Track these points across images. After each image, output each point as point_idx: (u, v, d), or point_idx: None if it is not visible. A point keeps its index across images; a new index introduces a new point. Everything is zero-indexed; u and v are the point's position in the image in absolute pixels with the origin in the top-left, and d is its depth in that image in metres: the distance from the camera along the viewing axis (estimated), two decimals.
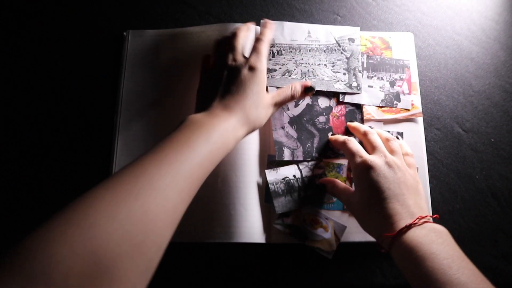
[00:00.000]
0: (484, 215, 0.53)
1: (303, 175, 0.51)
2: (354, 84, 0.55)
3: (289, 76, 0.54)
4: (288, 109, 0.54)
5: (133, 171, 0.32)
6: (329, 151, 0.53)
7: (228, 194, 0.50)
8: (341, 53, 0.53)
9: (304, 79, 0.54)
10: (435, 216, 0.43)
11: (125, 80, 0.56)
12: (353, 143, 0.47)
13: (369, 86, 0.55)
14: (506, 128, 0.57)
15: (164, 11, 0.61)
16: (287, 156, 0.52)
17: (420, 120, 0.55)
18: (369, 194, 0.42)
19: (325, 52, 0.55)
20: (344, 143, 0.48)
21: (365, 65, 0.56)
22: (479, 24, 0.62)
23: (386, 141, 0.48)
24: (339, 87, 0.54)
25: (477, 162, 0.55)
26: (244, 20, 0.58)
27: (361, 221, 0.44)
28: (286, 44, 0.55)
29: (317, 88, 0.53)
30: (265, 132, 0.54)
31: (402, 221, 0.39)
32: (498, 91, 0.58)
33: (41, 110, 0.56)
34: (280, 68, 0.51)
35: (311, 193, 0.51)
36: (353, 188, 0.48)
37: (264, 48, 0.47)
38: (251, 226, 0.50)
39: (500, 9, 0.62)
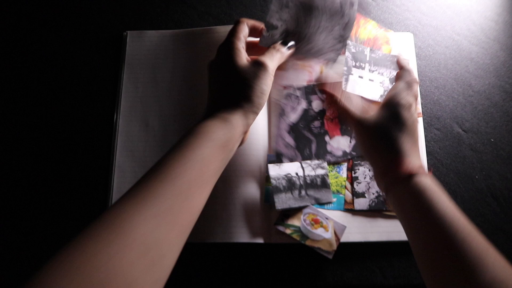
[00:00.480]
0: (483, 215, 0.53)
1: (306, 174, 0.51)
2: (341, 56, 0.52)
3: (286, 37, 0.50)
4: (286, 116, 0.54)
5: (103, 215, 0.30)
6: (328, 154, 0.53)
7: (228, 194, 0.50)
8: (341, 17, 0.50)
9: (299, 44, 0.51)
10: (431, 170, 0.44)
11: (124, 80, 0.56)
12: (413, 77, 0.48)
13: (370, 80, 0.55)
14: (506, 128, 0.57)
15: (164, 11, 0.61)
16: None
17: (420, 120, 0.55)
18: (392, 122, 0.43)
19: (327, 14, 0.51)
20: (407, 71, 0.48)
21: (367, 58, 0.55)
22: (479, 24, 0.62)
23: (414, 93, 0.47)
24: (330, 56, 0.52)
25: (477, 162, 0.55)
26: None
27: (369, 147, 0.44)
28: None
29: (306, 57, 0.52)
30: (265, 132, 0.54)
31: (415, 164, 0.40)
32: (497, 91, 0.58)
33: (41, 110, 0.56)
34: (281, 25, 0.48)
35: (312, 192, 0.51)
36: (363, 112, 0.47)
37: (279, 52, 0.46)
38: (251, 226, 0.50)
39: (500, 9, 0.62)
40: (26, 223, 0.51)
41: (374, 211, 0.51)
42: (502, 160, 0.55)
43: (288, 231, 0.49)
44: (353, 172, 0.52)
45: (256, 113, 0.43)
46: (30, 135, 0.55)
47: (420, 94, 0.57)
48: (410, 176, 0.39)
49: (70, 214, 0.51)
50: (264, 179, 0.52)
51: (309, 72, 0.54)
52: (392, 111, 0.44)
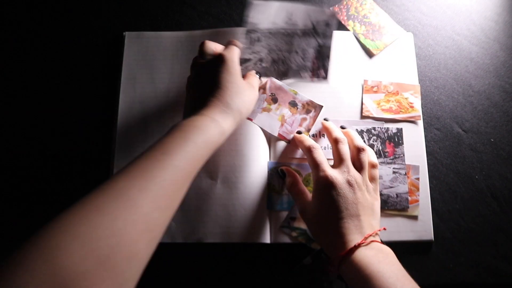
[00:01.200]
0: (483, 215, 0.53)
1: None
2: (322, 74, 0.53)
3: (261, 64, 0.52)
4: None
5: (106, 187, 0.32)
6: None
7: (228, 194, 0.50)
8: (315, 39, 0.51)
9: (273, 67, 0.53)
10: (383, 228, 0.44)
11: (123, 80, 0.56)
12: (318, 153, 0.46)
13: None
14: (506, 128, 0.57)
15: (164, 11, 0.61)
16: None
17: (420, 123, 0.55)
18: (327, 211, 0.43)
19: (300, 37, 0.51)
20: (309, 150, 0.46)
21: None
22: (479, 24, 0.62)
23: (356, 150, 0.47)
24: (305, 75, 0.53)
25: (477, 162, 0.55)
26: (244, 20, 0.58)
27: (314, 234, 0.45)
28: (266, 29, 0.51)
29: (285, 78, 0.54)
30: (266, 133, 0.54)
31: (353, 241, 0.41)
32: (497, 91, 0.58)
33: (40, 110, 0.56)
34: (254, 56, 0.50)
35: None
36: (310, 195, 0.47)
37: (235, 46, 0.48)
38: (251, 227, 0.50)
39: (500, 9, 0.62)
40: (26, 223, 0.51)
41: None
42: (502, 160, 0.55)
43: (294, 234, 0.49)
44: None
45: (231, 107, 0.44)
46: (29, 135, 0.55)
47: (420, 94, 0.57)
48: (350, 255, 0.40)
49: None
50: (266, 182, 0.52)
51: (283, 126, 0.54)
52: (318, 199, 0.44)
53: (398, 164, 0.52)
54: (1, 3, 0.60)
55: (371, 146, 0.53)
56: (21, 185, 0.53)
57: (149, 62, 0.57)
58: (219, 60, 0.45)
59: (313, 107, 0.54)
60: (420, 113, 0.56)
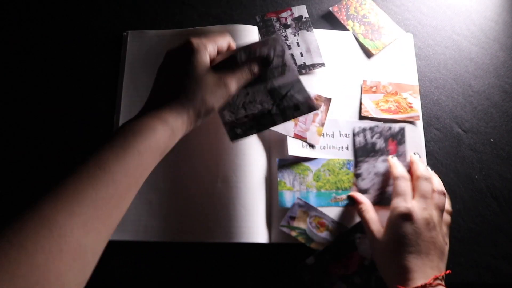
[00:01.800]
0: (483, 215, 0.53)
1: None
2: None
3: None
4: None
5: (28, 215, 0.28)
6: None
7: (228, 194, 0.50)
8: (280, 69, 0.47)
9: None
10: (447, 271, 0.43)
11: (124, 80, 0.56)
12: (406, 184, 0.46)
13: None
14: (506, 128, 0.57)
15: (164, 11, 0.61)
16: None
17: (419, 123, 0.55)
18: (398, 242, 0.42)
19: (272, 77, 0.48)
20: (397, 178, 0.47)
21: None
22: (479, 25, 0.62)
23: (434, 192, 0.46)
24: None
25: (477, 162, 0.55)
26: (244, 21, 0.58)
27: (379, 262, 0.45)
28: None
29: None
30: (266, 132, 0.54)
31: (418, 279, 0.40)
32: (497, 91, 0.58)
33: (41, 110, 0.56)
34: (235, 112, 0.48)
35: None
36: (381, 226, 0.46)
37: (211, 37, 0.43)
38: (251, 226, 0.50)
39: (499, 9, 0.62)
40: None
41: (379, 207, 0.50)
42: (502, 160, 0.55)
43: (293, 234, 0.49)
44: (357, 168, 0.53)
45: (196, 126, 0.41)
46: (30, 135, 0.55)
47: (420, 94, 0.57)
48: None
49: None
50: (268, 180, 0.52)
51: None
52: (392, 228, 0.44)
53: (400, 162, 0.53)
54: (1, 3, 0.60)
55: (374, 144, 0.53)
56: (21, 185, 0.53)
57: (151, 60, 0.57)
58: (184, 49, 0.41)
59: (322, 101, 0.54)
60: (419, 114, 0.56)
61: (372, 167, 0.52)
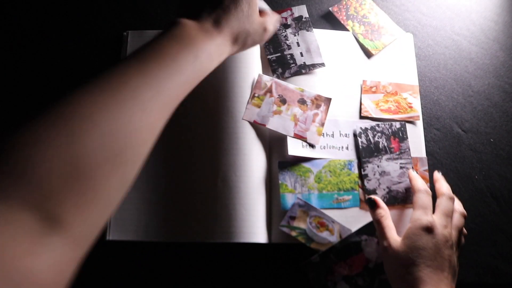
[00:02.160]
0: (483, 215, 0.53)
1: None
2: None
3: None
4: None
5: (118, 79, 0.31)
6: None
7: (228, 194, 0.50)
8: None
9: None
10: None
11: None
12: (428, 198, 0.46)
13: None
14: (506, 128, 0.57)
15: (164, 11, 0.61)
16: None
17: (419, 123, 0.55)
18: (416, 253, 0.42)
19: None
20: (419, 191, 0.47)
21: None
22: (478, 25, 0.62)
23: (455, 212, 0.46)
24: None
25: (477, 162, 0.55)
26: None
27: (391, 271, 0.44)
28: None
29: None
30: (266, 132, 0.54)
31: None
32: (497, 91, 0.59)
33: None
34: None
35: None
36: (397, 237, 0.46)
37: None
38: (251, 226, 0.50)
39: (499, 9, 0.63)
40: None
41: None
42: (502, 160, 0.55)
43: (293, 234, 0.49)
44: (362, 169, 0.52)
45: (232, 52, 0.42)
46: None
47: (420, 95, 0.57)
48: None
49: None
50: (268, 180, 0.52)
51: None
52: (411, 239, 0.43)
53: (404, 159, 0.53)
54: (1, 3, 0.60)
55: (377, 143, 0.53)
56: None
57: None
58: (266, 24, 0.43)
59: (322, 101, 0.54)
60: (419, 114, 0.56)
61: (377, 167, 0.52)
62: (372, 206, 0.49)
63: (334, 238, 0.49)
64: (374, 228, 0.48)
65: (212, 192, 0.51)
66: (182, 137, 0.53)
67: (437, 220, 0.44)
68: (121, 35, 0.58)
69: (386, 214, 0.47)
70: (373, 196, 0.49)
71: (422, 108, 0.57)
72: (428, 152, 0.55)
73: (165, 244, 0.50)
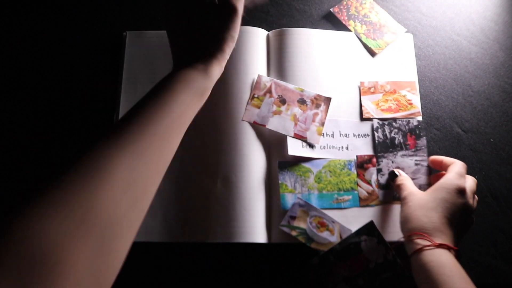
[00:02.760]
0: (483, 215, 0.53)
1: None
2: None
3: None
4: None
5: (97, 160, 0.29)
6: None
7: (228, 194, 0.50)
8: None
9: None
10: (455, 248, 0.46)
11: (124, 80, 0.56)
12: (464, 167, 0.48)
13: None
14: (505, 129, 0.57)
15: (164, 11, 0.61)
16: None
17: (420, 116, 0.56)
18: (439, 202, 0.45)
19: None
20: (456, 161, 0.49)
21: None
22: (478, 25, 0.62)
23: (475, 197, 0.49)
24: None
25: (477, 162, 0.55)
26: (244, 21, 0.58)
27: (407, 216, 0.46)
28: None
29: None
30: (266, 132, 0.54)
31: (440, 239, 0.43)
32: (497, 91, 0.59)
33: (41, 110, 0.56)
34: None
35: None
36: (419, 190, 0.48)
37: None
38: (251, 226, 0.50)
39: (499, 9, 0.63)
40: None
41: (398, 203, 0.51)
42: (502, 160, 0.56)
43: (293, 233, 0.49)
44: (377, 164, 0.53)
45: (226, 60, 0.44)
46: (30, 135, 0.55)
47: (420, 95, 0.57)
48: (432, 249, 0.42)
49: None
50: (268, 181, 0.52)
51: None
52: (442, 192, 0.46)
53: (419, 156, 0.53)
54: (1, 3, 0.60)
55: (393, 139, 0.54)
56: (20, 186, 0.53)
57: (150, 61, 0.57)
58: (232, 16, 0.42)
59: (321, 101, 0.54)
60: (419, 109, 0.56)
61: (391, 163, 0.53)
62: (394, 177, 0.51)
63: (334, 238, 0.49)
64: (374, 228, 0.48)
65: (212, 192, 0.51)
66: (182, 138, 0.53)
67: (468, 189, 0.46)
68: (121, 35, 0.58)
69: (407, 179, 0.50)
70: (395, 170, 0.52)
71: (422, 108, 0.57)
72: (428, 152, 0.55)
73: (165, 244, 0.50)
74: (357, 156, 0.53)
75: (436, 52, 0.60)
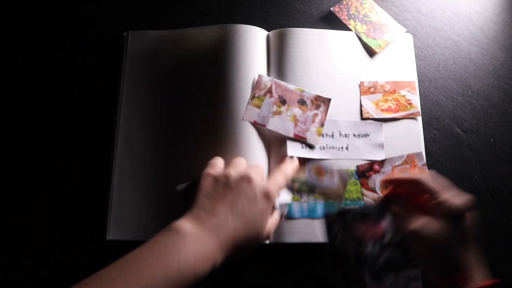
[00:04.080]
0: (483, 215, 0.53)
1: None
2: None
3: None
4: None
5: None
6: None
7: None
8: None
9: None
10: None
11: (125, 80, 0.56)
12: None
13: None
14: (505, 129, 0.57)
15: (164, 11, 0.61)
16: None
17: (419, 120, 0.56)
18: (451, 234, 0.41)
19: None
20: (442, 182, 0.45)
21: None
22: (478, 25, 0.62)
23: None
24: None
25: (476, 162, 0.55)
26: (244, 21, 0.58)
27: (428, 257, 0.42)
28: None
29: None
30: (266, 133, 0.54)
31: (478, 279, 0.41)
32: (497, 91, 0.59)
33: (41, 110, 0.56)
34: None
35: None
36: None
37: (279, 176, 0.45)
38: None
39: (499, 9, 0.63)
40: (26, 223, 0.51)
41: None
42: (502, 160, 0.56)
43: (295, 186, 0.49)
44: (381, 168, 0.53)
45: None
46: (30, 135, 0.55)
47: (420, 95, 0.57)
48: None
49: (70, 214, 0.51)
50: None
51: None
52: (450, 222, 0.41)
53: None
54: (1, 3, 0.60)
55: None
56: (20, 185, 0.53)
57: (152, 60, 0.57)
58: (248, 187, 0.41)
59: (321, 102, 0.54)
60: (419, 109, 0.56)
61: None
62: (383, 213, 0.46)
63: (334, 181, 0.50)
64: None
65: None
66: (182, 137, 0.53)
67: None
68: (121, 35, 0.58)
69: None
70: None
71: (421, 108, 0.57)
72: (427, 152, 0.55)
73: None
74: (357, 166, 0.53)
75: (435, 52, 0.60)
